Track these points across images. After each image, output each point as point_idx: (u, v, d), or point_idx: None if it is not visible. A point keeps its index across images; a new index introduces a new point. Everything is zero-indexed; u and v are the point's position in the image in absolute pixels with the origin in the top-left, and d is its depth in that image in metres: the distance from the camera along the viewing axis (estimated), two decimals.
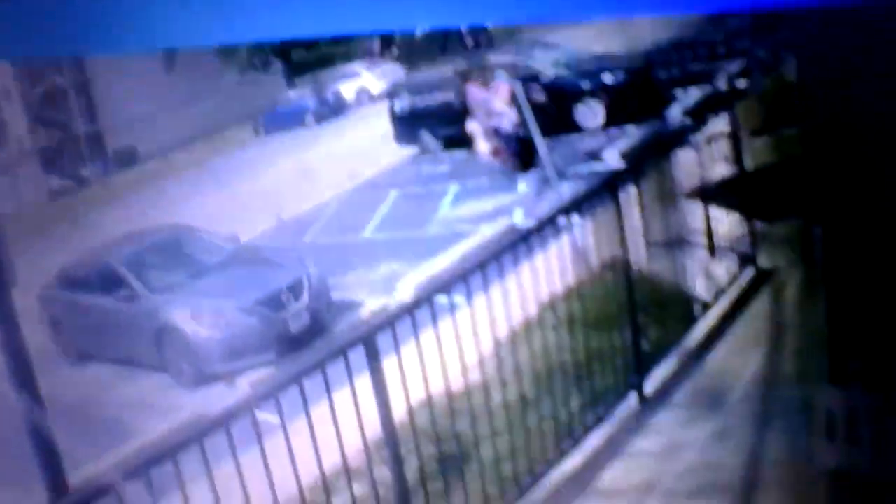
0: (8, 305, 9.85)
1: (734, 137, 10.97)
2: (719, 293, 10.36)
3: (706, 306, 10.13)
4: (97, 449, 12.50)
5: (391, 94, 32.20)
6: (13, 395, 9.23)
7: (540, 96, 18.34)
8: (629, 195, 9.36)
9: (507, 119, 18.08)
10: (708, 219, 10.61)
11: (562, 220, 8.63)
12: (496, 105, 18.15)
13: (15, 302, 10.03)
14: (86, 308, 18.06)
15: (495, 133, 16.79)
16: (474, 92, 17.15)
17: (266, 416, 6.16)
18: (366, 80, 50.67)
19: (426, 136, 29.27)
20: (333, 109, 48.22)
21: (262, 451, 5.98)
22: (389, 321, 6.70)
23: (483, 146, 24.31)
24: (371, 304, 16.56)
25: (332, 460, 6.52)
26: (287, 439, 6.13)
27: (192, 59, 52.64)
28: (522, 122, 16.63)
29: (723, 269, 10.65)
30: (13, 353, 9.35)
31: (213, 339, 15.79)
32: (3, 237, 10.85)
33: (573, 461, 8.11)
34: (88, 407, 15.91)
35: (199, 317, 15.99)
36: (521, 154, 17.53)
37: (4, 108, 52.74)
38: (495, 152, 17.41)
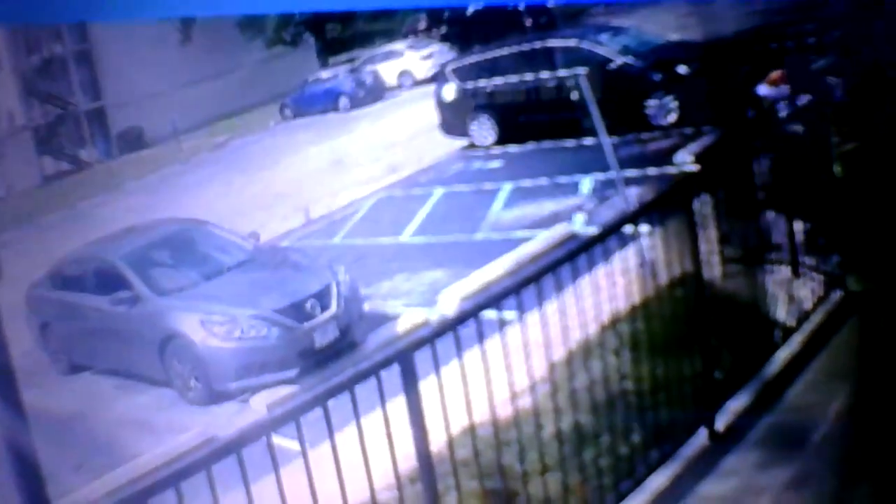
0: None
1: (823, 141, 10.99)
2: (803, 318, 10.41)
3: (788, 332, 10.18)
4: (88, 473, 12.59)
5: (438, 78, 32.22)
6: None
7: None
8: (704, 203, 9.41)
9: None
10: (792, 233, 10.68)
11: (628, 229, 8.68)
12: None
13: None
14: (80, 310, 18.03)
15: None
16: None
17: (284, 442, 6.15)
18: (409, 61, 50.62)
19: (477, 127, 29.29)
20: (371, 93, 48.12)
21: (279, 481, 5.99)
22: (429, 338, 6.78)
23: None
24: (409, 318, 16.51)
25: (358, 494, 6.50)
26: (307, 469, 6.15)
27: (211, 29, 52.78)
28: None
29: (808, 290, 10.69)
30: None
31: (225, 351, 15.67)
32: None
33: None
34: (79, 424, 16.04)
35: (210, 324, 15.82)
36: None
37: None
38: None
